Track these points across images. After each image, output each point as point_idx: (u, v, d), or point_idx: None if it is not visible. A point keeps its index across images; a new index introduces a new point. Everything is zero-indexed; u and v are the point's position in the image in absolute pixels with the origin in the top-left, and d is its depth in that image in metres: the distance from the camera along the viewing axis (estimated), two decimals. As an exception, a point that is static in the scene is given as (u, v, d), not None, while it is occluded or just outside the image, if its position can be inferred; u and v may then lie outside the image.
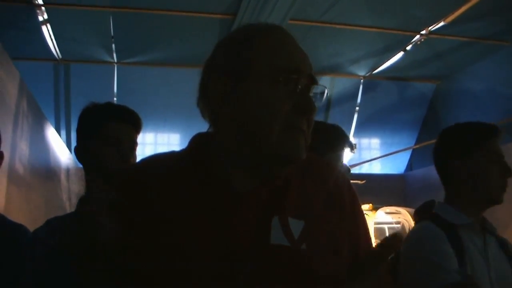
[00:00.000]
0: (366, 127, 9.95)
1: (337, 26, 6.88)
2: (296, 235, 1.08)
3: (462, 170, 2.00)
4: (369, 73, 8.81)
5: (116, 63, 7.96)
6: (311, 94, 1.16)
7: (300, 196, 1.16)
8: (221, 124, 1.18)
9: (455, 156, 2.03)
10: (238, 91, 1.13)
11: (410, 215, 6.90)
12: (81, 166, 1.92)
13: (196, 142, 1.24)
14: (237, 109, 1.14)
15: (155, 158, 1.35)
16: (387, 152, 9.99)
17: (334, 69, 8.58)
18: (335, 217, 1.17)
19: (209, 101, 1.19)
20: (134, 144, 1.88)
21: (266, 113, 1.10)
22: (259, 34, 1.20)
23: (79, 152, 1.89)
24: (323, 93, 1.18)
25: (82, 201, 1.90)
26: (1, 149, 1.94)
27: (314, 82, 1.17)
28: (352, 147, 2.17)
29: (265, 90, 1.11)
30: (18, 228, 1.96)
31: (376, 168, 10.59)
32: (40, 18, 6.29)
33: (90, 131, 1.87)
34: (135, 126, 1.91)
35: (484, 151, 1.98)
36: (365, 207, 7.08)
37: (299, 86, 1.13)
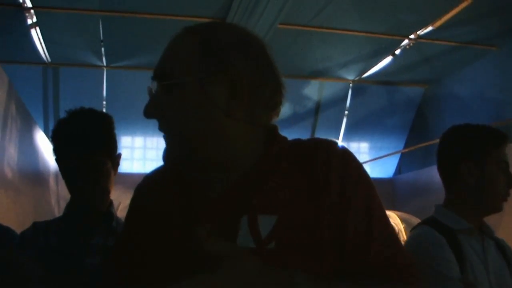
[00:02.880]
0: (355, 131, 9.98)
1: (326, 31, 6.89)
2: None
3: (470, 174, 1.96)
4: (358, 77, 8.84)
5: (105, 67, 7.94)
6: (154, 92, 1.17)
7: (275, 189, 1.12)
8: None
9: (464, 159, 1.98)
10: None
11: (399, 218, 6.92)
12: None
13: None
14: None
15: (151, 173, 1.38)
16: (376, 156, 10.02)
17: (323, 73, 8.59)
18: (316, 207, 1.10)
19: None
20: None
21: None
22: None
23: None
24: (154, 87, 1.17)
25: (69, 207, 1.92)
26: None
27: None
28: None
29: None
30: (6, 231, 1.95)
31: (365, 172, 10.60)
32: (29, 22, 6.26)
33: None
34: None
35: (495, 158, 1.95)
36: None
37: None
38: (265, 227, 1.05)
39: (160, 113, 1.15)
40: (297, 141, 1.24)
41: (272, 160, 1.17)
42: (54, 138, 1.89)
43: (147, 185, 1.33)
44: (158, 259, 1.14)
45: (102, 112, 1.99)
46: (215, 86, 1.11)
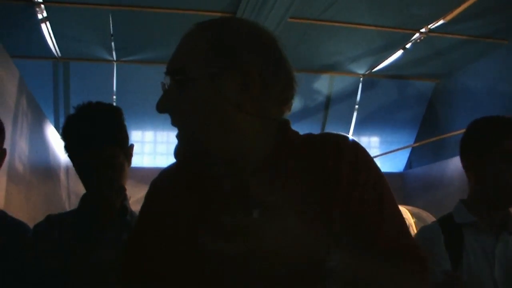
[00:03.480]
0: (365, 125, 9.95)
1: (337, 24, 6.87)
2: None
3: (477, 167, 1.96)
4: (368, 72, 8.80)
5: (116, 61, 7.96)
6: (167, 87, 1.19)
7: (287, 184, 1.15)
8: None
9: (473, 152, 1.98)
10: None
11: (410, 213, 6.91)
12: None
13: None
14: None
15: (167, 168, 1.39)
16: (386, 151, 9.99)
17: (333, 68, 8.57)
18: (330, 199, 1.13)
19: None
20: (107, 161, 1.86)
21: None
22: None
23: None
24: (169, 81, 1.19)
25: (83, 200, 1.92)
26: (3, 147, 1.94)
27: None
28: None
29: None
30: (19, 225, 1.96)
31: (375, 166, 10.57)
32: (39, 16, 6.28)
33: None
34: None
35: (502, 149, 1.91)
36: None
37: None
38: (278, 222, 1.03)
39: (172, 108, 1.16)
40: (309, 136, 1.25)
41: (284, 154, 1.18)
42: (65, 136, 1.90)
43: (162, 179, 1.35)
44: (171, 254, 1.16)
45: (110, 104, 1.98)
46: (227, 81, 1.12)
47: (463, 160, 2.04)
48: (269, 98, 1.16)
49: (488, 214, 1.96)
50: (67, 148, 1.89)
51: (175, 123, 1.18)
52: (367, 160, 1.19)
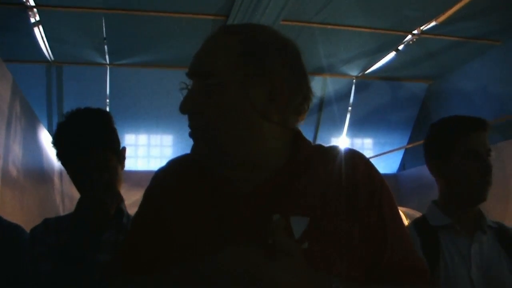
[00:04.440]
0: (358, 127, 9.97)
1: (329, 27, 6.89)
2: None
3: (441, 169, 1.98)
4: (361, 73, 8.83)
5: (109, 64, 7.95)
6: (190, 88, 1.19)
7: (304, 192, 1.16)
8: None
9: (434, 154, 2.01)
10: None
11: (404, 214, 6.92)
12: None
13: None
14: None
15: (176, 161, 1.37)
16: (380, 152, 10.02)
17: (326, 70, 8.58)
18: (346, 211, 1.15)
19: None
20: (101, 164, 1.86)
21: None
22: None
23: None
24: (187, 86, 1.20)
25: (80, 203, 1.92)
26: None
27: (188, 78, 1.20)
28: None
29: None
30: (15, 228, 1.96)
31: (369, 168, 10.59)
32: (32, 20, 6.27)
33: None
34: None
35: (462, 148, 1.93)
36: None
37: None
38: (293, 228, 1.07)
39: (197, 109, 1.16)
40: (321, 147, 1.29)
41: (300, 163, 1.19)
42: (56, 143, 1.90)
43: (170, 175, 1.33)
44: (176, 252, 1.15)
45: (98, 109, 1.98)
46: (255, 88, 1.13)
47: (427, 164, 2.06)
48: (291, 107, 1.18)
49: (462, 215, 1.96)
50: (59, 155, 1.90)
51: (197, 124, 1.17)
52: (378, 175, 1.23)
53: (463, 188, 1.94)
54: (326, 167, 1.20)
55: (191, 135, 1.18)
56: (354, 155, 1.24)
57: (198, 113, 1.16)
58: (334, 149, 1.27)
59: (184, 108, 1.17)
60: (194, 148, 1.19)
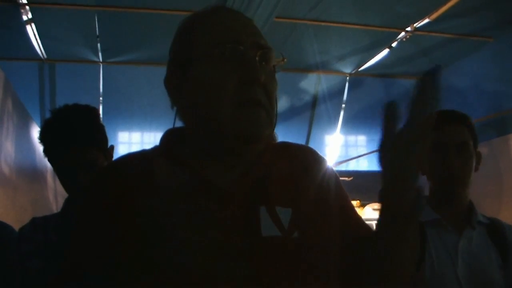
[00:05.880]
0: (352, 124, 9.96)
1: (323, 24, 6.88)
2: (285, 224, 1.05)
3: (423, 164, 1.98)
4: (355, 70, 8.82)
5: (102, 62, 7.90)
6: (261, 62, 1.11)
7: (284, 183, 1.14)
8: (183, 116, 1.19)
9: None
10: (187, 79, 1.12)
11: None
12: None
13: (167, 138, 1.23)
14: (189, 97, 1.13)
15: (131, 156, 1.25)
16: (373, 149, 10.01)
17: (320, 67, 8.56)
18: (323, 201, 1.16)
19: (170, 96, 1.21)
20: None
21: (213, 93, 1.07)
22: (197, 18, 1.18)
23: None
24: (272, 57, 1.16)
25: (67, 202, 1.91)
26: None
27: (260, 48, 1.12)
28: None
29: (208, 69, 1.08)
30: (3, 227, 1.95)
31: (363, 165, 10.60)
32: (24, 18, 6.23)
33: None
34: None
35: (433, 141, 1.93)
36: (352, 203, 7.11)
37: (242, 56, 1.08)
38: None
39: (267, 84, 1.14)
40: (284, 143, 1.29)
41: (272, 154, 1.18)
42: (42, 140, 1.88)
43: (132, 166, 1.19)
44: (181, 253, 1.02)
45: (86, 106, 1.97)
46: None
47: None
48: None
49: (449, 210, 1.96)
50: (45, 152, 1.88)
51: (261, 96, 1.09)
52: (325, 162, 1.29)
53: (435, 182, 1.95)
54: (293, 159, 1.21)
55: (256, 104, 1.09)
56: (314, 151, 1.29)
57: (263, 88, 1.11)
58: (298, 145, 1.30)
59: (260, 76, 1.09)
60: (257, 119, 1.08)
